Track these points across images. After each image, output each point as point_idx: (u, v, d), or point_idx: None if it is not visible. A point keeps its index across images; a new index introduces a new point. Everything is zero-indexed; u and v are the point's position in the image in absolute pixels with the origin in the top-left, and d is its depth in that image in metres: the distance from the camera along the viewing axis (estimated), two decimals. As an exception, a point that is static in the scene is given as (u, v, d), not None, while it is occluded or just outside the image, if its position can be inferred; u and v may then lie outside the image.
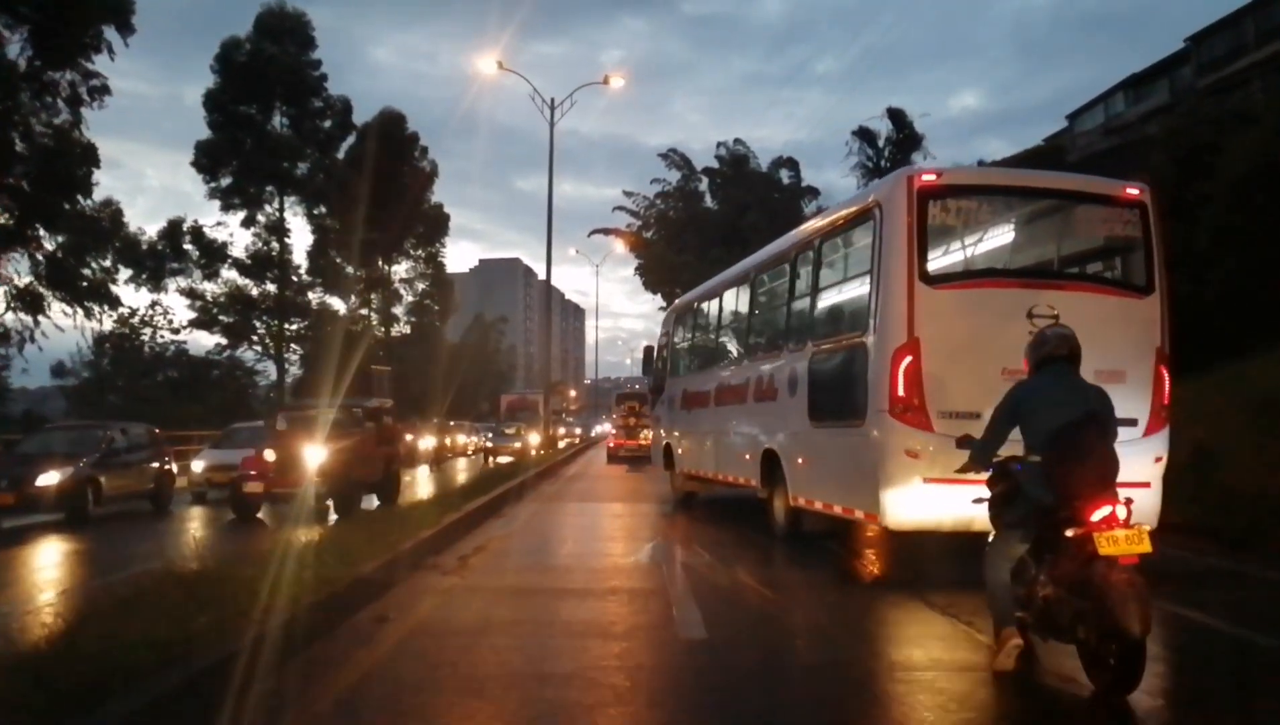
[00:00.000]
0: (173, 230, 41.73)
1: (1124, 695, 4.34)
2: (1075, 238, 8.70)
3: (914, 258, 7.59)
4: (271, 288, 43.67)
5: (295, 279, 43.82)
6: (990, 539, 5.24)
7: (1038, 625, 4.79)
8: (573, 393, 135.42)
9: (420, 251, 55.65)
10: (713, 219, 51.43)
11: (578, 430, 59.53)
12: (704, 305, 14.59)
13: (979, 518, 6.25)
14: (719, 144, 55.95)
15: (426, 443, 33.49)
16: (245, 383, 44.04)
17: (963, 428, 6.46)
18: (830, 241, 9.58)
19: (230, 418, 26.34)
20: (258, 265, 42.09)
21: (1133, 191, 8.18)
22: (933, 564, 8.67)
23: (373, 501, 14.91)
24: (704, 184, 55.07)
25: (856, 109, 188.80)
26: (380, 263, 54.43)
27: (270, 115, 42.99)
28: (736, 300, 12.95)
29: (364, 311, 54.85)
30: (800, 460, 9.49)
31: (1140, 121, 38.63)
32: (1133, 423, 7.07)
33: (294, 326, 48.59)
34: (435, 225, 55.46)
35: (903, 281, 7.58)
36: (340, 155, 45.09)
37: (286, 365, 50.23)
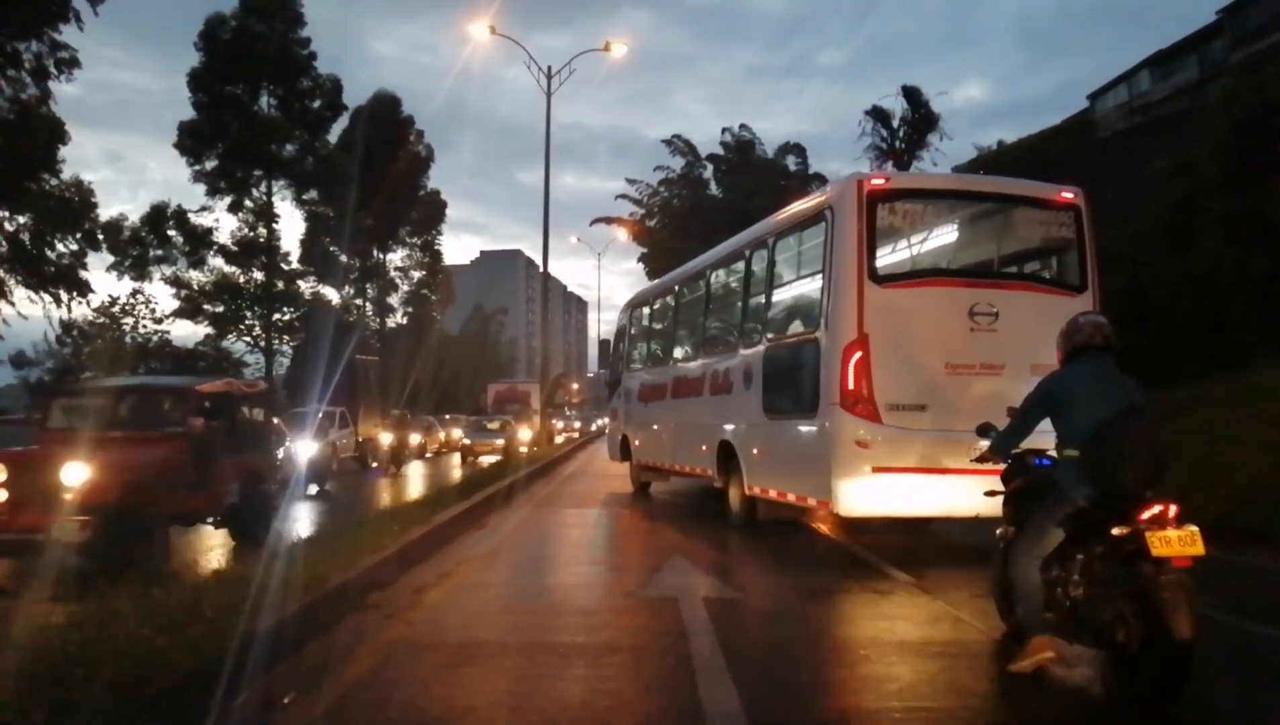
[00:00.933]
0: (156, 216, 39.94)
1: (1165, 703, 4.10)
2: (1014, 239, 9.05)
3: (863, 258, 7.98)
4: (259, 276, 41.71)
5: (285, 267, 41.73)
6: (1004, 535, 5.14)
7: (1064, 627, 4.56)
8: (575, 386, 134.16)
9: (416, 239, 53.79)
10: (718, 206, 50.18)
11: (577, 424, 57.66)
12: (661, 300, 14.78)
13: (926, 505, 7.32)
14: (724, 129, 54.28)
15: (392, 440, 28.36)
16: (233, 375, 42.11)
17: (909, 420, 7.51)
18: (784, 240, 9.80)
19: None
20: (245, 252, 40.15)
21: (1067, 195, 8.57)
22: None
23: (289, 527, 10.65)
24: (709, 171, 53.43)
25: (859, 101, 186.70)
26: (375, 251, 52.62)
27: (257, 96, 41.13)
28: (693, 295, 13.08)
29: (358, 301, 53.07)
30: (755, 451, 9.76)
31: (1171, 98, 36.66)
32: None
33: (285, 316, 46.85)
34: (432, 212, 53.62)
35: (852, 280, 7.96)
36: (331, 137, 43.13)
37: (279, 356, 48.59)
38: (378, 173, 48.67)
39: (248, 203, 40.86)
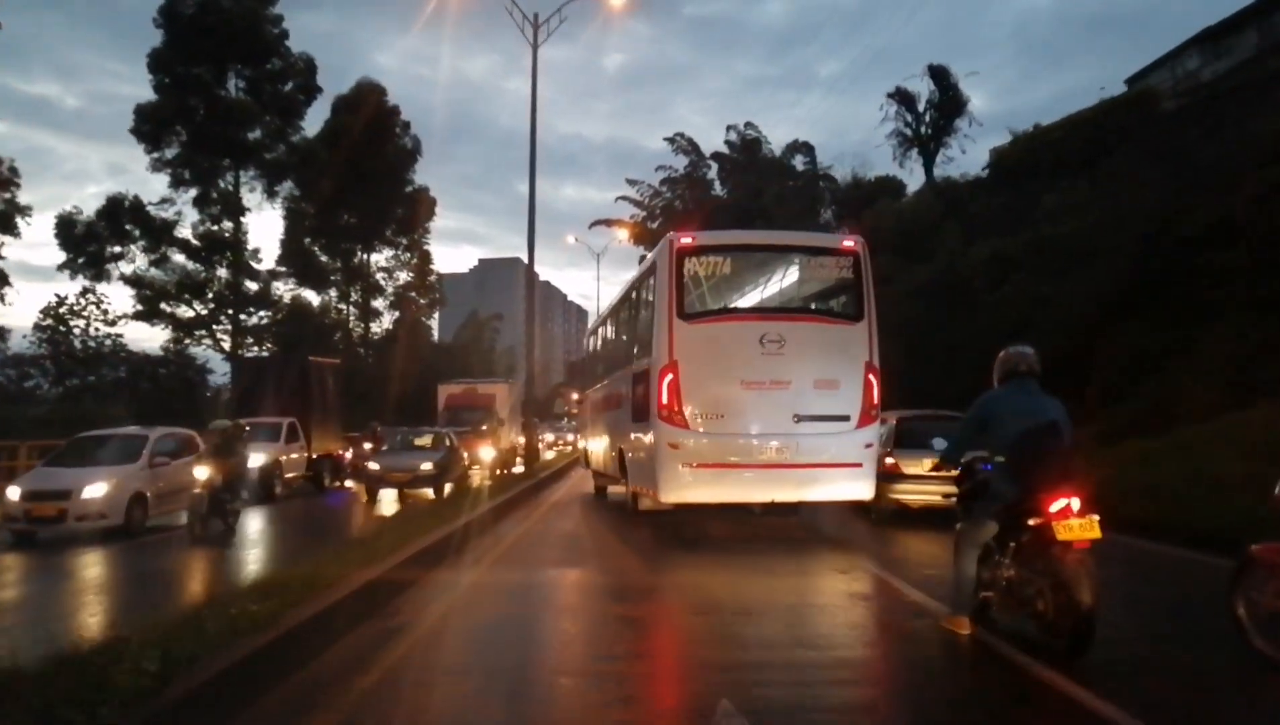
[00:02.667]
0: (113, 209, 36.46)
1: (1078, 658, 4.98)
2: (802, 280, 11.03)
3: (673, 300, 10.10)
4: (224, 273, 38.17)
5: (255, 265, 38.21)
6: (959, 527, 6.05)
7: (1002, 603, 5.61)
8: (575, 396, 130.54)
9: (402, 238, 50.28)
10: (722, 207, 47.48)
11: (570, 436, 54.03)
12: (601, 325, 16.82)
13: (728, 494, 10.15)
14: (729, 126, 51.69)
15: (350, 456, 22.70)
16: (196, 382, 38.55)
17: (711, 426, 9.92)
18: (639, 286, 12.08)
19: (176, 423, 20.70)
20: (210, 248, 36.53)
21: (849, 244, 10.63)
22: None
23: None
24: (713, 171, 50.16)
25: (859, 111, 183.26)
26: (359, 251, 49.18)
27: (224, 77, 37.69)
28: (611, 324, 15.20)
29: (341, 305, 49.61)
30: (630, 455, 11.78)
31: (1227, 75, 33.20)
32: (845, 418, 10.01)
33: (258, 319, 43.46)
34: (419, 209, 50.08)
35: (665, 318, 10.10)
36: (308, 125, 39.65)
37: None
38: (361, 166, 45.41)
39: (214, 195, 37.13)
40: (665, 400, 9.87)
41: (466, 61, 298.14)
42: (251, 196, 39.15)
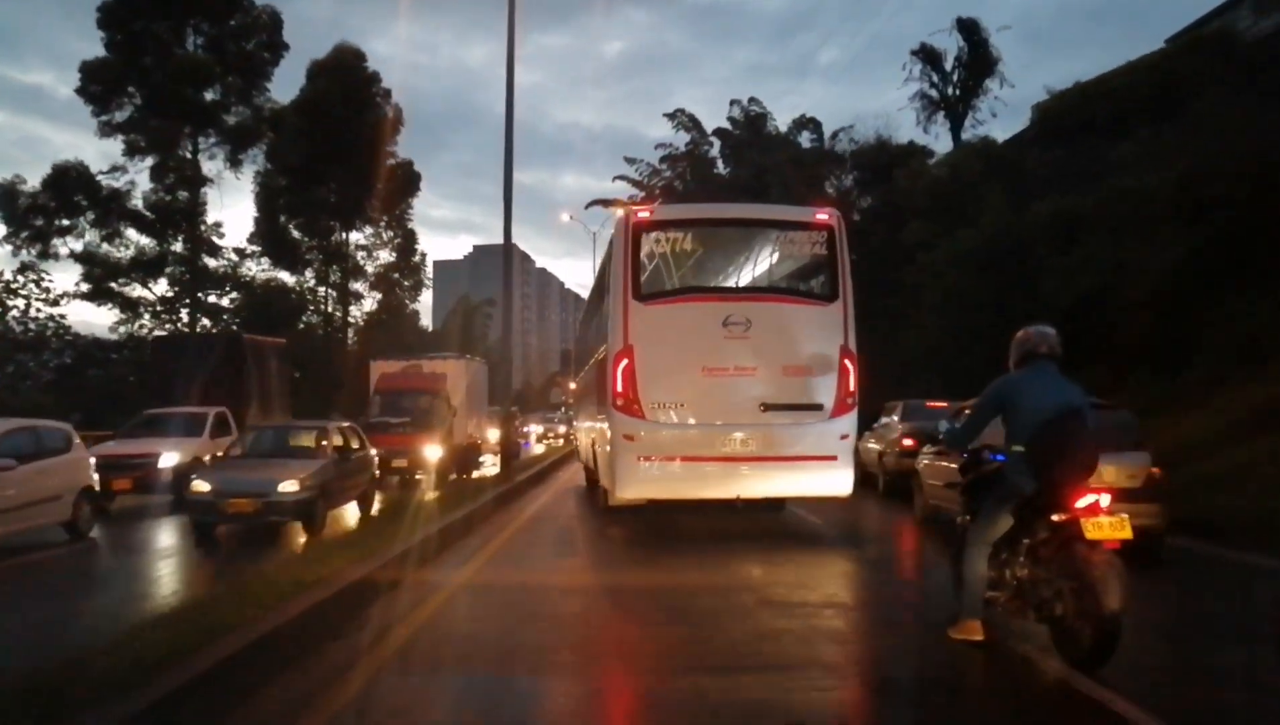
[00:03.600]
0: (59, 179, 33.10)
1: (1096, 668, 4.61)
2: (771, 256, 10.26)
3: (628, 280, 9.45)
4: (180, 249, 34.75)
5: (216, 240, 34.76)
6: (963, 523, 5.58)
7: (1011, 604, 5.23)
8: (573, 385, 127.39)
9: (385, 216, 46.86)
10: (725, 186, 44.55)
11: (561, 428, 50.73)
12: (585, 311, 17.16)
13: (689, 489, 9.32)
14: (732, 101, 48.70)
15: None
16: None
17: (670, 417, 9.27)
18: (604, 269, 11.32)
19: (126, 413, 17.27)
20: (163, 221, 33.00)
21: (823, 217, 9.87)
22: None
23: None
24: (715, 149, 47.05)
25: (861, 98, 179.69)
26: (337, 228, 45.78)
27: (182, 34, 34.26)
28: (589, 308, 15.65)
29: (318, 286, 46.27)
30: (596, 447, 11.58)
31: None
32: (819, 407, 9.34)
33: (229, 301, 40.16)
34: (403, 184, 46.69)
35: (620, 299, 9.43)
36: (269, 83, 36.13)
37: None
38: (338, 137, 42.05)
39: (170, 163, 33.63)
40: (620, 388, 9.37)
41: (465, 50, 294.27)
42: (213, 166, 35.57)
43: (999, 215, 18.97)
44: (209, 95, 33.41)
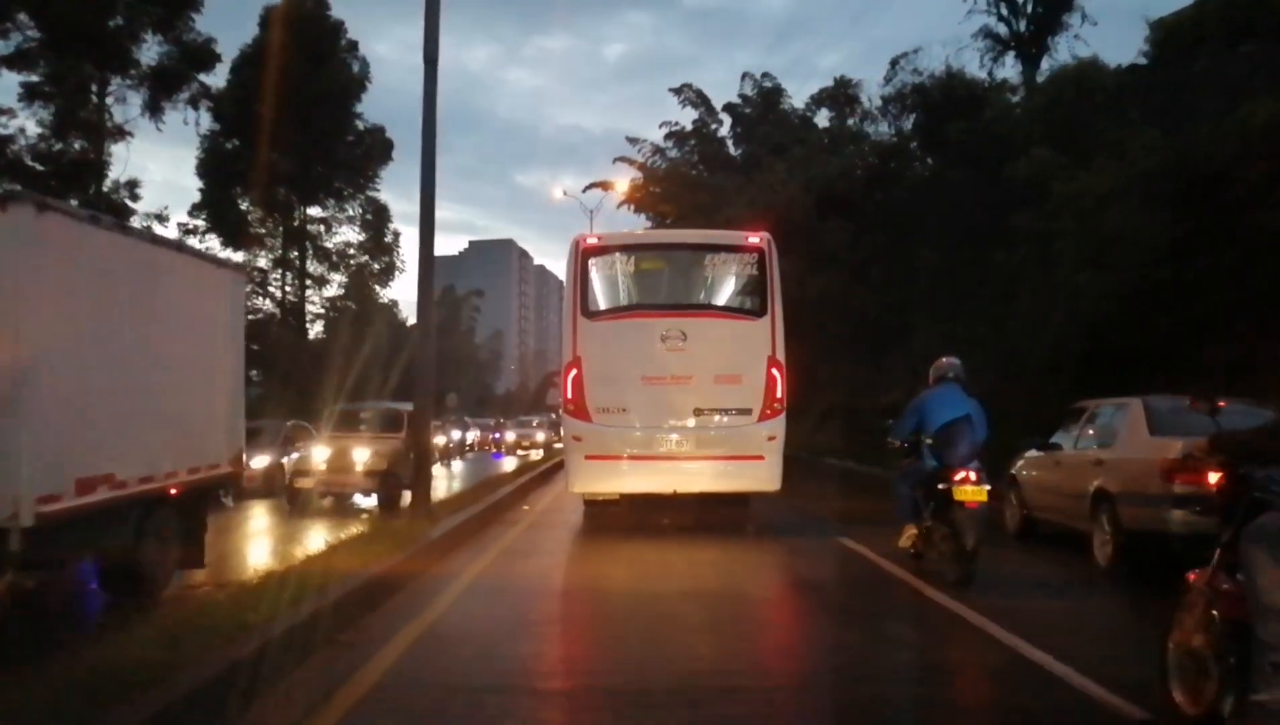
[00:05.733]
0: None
1: (966, 587, 7.07)
2: (707, 276, 11.24)
3: (578, 298, 10.59)
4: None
5: (129, 202, 28.69)
6: (901, 471, 8.52)
7: (919, 545, 8.00)
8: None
9: (350, 188, 41.02)
10: (735, 169, 39.69)
11: (540, 436, 44.73)
12: None
13: (632, 485, 10.48)
14: (744, 74, 43.37)
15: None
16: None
17: (614, 420, 10.32)
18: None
19: None
20: (55, 175, 26.70)
21: (754, 240, 10.93)
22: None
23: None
24: (725, 127, 43.96)
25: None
26: (294, 200, 39.94)
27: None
28: None
29: (278, 273, 40.41)
30: (564, 453, 11.76)
31: None
32: (748, 412, 10.36)
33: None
34: (371, 152, 40.88)
35: (571, 316, 10.66)
36: (199, 14, 30.03)
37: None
38: (296, 94, 36.26)
39: (63, 102, 27.44)
40: (570, 394, 10.50)
41: (466, 52, 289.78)
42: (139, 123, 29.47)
43: (1155, 140, 13.16)
44: (115, 24, 27.13)
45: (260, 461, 15.82)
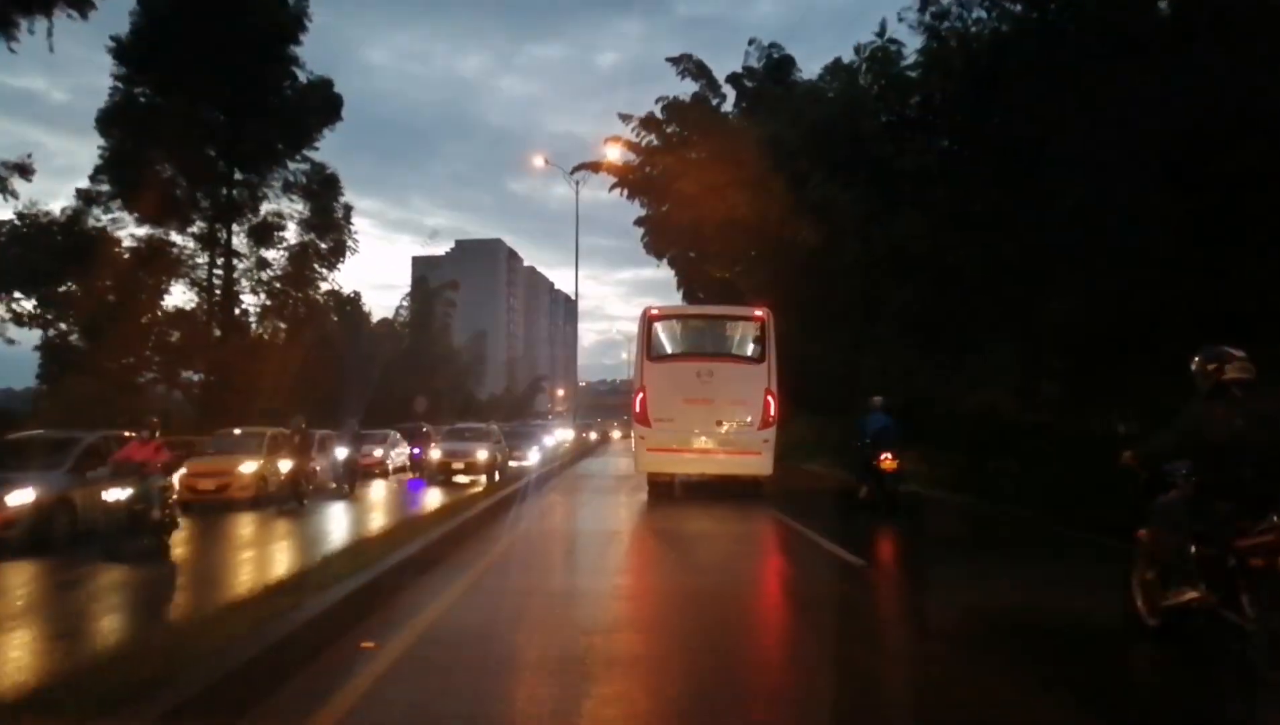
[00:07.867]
0: None
1: (891, 518, 13.46)
2: (728, 335, 17.00)
3: (645, 348, 16.33)
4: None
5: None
6: (856, 451, 15.23)
7: (869, 498, 14.37)
8: (560, 392, 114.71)
9: (292, 152, 34.33)
10: (742, 145, 33.19)
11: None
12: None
13: (676, 468, 16.70)
14: (750, 40, 36.45)
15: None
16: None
17: (665, 426, 15.85)
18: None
19: None
20: None
21: (759, 313, 16.40)
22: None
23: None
24: (729, 101, 37.60)
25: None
26: (218, 162, 33.25)
27: None
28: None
29: (204, 256, 33.67)
30: (633, 446, 17.18)
31: None
32: (750, 423, 15.70)
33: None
34: (315, 109, 34.27)
35: (640, 359, 16.36)
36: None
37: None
38: (222, 35, 29.84)
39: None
40: (639, 410, 16.01)
41: (459, 60, 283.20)
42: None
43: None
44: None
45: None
